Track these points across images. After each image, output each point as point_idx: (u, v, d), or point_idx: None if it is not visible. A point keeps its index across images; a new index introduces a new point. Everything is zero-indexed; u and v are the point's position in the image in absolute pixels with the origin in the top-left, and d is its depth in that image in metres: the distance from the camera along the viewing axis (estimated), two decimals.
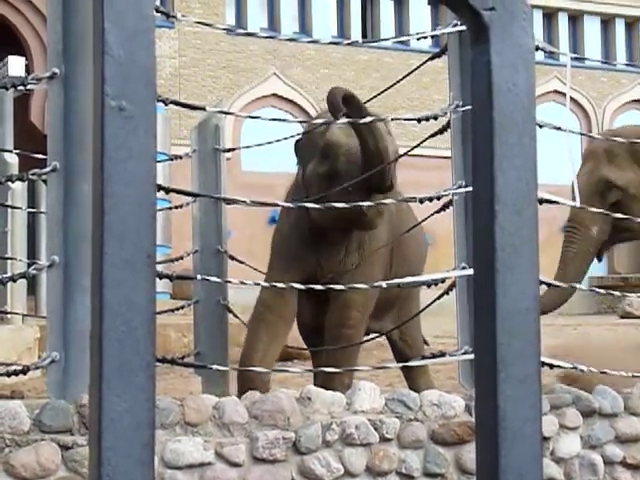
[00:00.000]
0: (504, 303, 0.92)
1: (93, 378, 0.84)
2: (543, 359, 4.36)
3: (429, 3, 24.64)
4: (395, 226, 5.65)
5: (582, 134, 5.15)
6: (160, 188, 4.06)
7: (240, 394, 5.39)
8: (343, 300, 5.44)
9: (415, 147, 5.33)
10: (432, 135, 4.93)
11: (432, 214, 5.16)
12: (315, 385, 4.33)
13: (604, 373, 4.90)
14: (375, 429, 3.86)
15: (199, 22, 5.04)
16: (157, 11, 4.46)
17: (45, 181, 3.81)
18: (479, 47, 0.96)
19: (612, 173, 6.32)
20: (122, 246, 0.84)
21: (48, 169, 3.68)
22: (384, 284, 4.95)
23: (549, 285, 4.46)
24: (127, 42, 0.84)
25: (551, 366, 4.34)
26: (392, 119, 5.28)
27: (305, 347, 6.58)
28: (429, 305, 5.14)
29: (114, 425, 0.84)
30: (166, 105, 4.41)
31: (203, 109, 4.68)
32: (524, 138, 0.95)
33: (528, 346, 0.93)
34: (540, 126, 4.91)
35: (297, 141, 5.60)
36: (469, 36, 0.96)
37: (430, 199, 4.77)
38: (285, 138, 5.60)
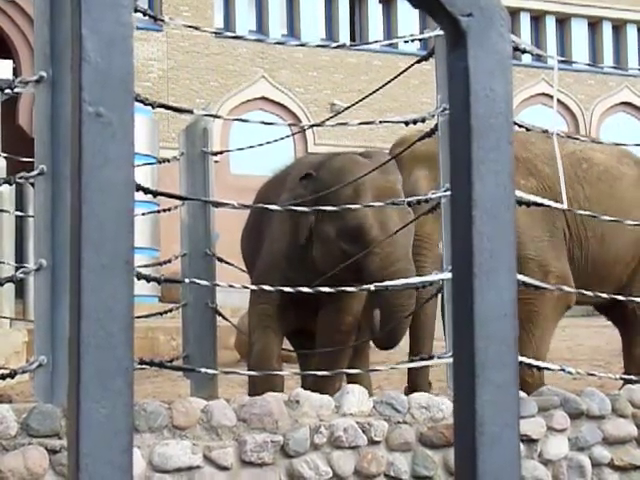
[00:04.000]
0: (482, 308, 0.92)
1: (71, 384, 0.84)
2: (532, 361, 4.37)
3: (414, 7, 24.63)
4: None
5: (569, 137, 5.17)
6: (148, 191, 4.05)
7: (252, 387, 5.42)
8: (337, 306, 5.46)
9: (404, 150, 5.34)
10: (420, 138, 4.94)
11: (418, 216, 5.17)
12: (303, 388, 4.33)
13: (592, 375, 4.92)
14: (363, 432, 3.86)
15: (187, 25, 5.04)
16: (145, 14, 4.46)
17: (33, 184, 3.80)
18: (457, 53, 0.96)
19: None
20: (99, 252, 0.84)
21: (35, 172, 3.67)
22: (372, 287, 4.95)
23: (528, 286, 4.45)
24: (105, 49, 0.84)
25: (539, 368, 4.35)
26: (380, 122, 5.29)
27: (294, 350, 6.59)
28: (418, 308, 5.15)
29: (92, 431, 0.84)
30: (154, 108, 4.41)
31: (191, 112, 4.69)
32: (502, 143, 0.96)
33: (506, 351, 0.93)
34: (528, 129, 4.93)
35: (309, 175, 5.54)
36: (447, 42, 0.97)
37: (418, 202, 4.78)
38: (274, 140, 5.61)
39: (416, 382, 5.74)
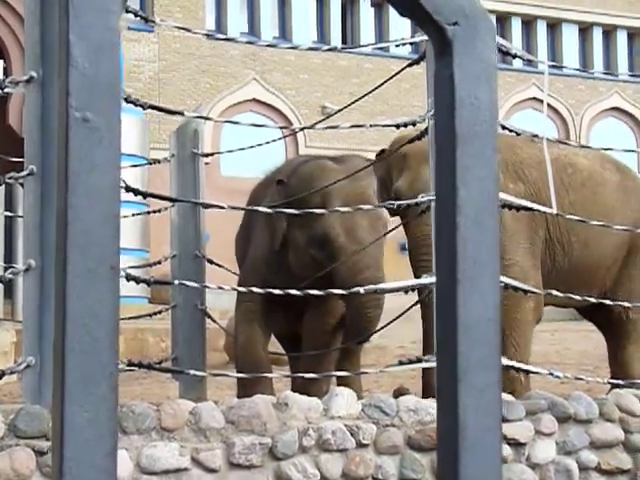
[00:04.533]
0: (465, 312, 0.93)
1: (56, 388, 0.85)
2: (520, 365, 4.38)
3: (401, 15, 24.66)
4: None
5: (559, 141, 5.18)
6: (138, 192, 4.05)
7: (242, 388, 5.42)
8: (323, 309, 5.47)
9: (392, 153, 5.35)
10: (410, 141, 4.95)
11: (407, 220, 5.18)
12: (293, 391, 4.33)
13: (580, 379, 4.93)
14: (351, 435, 3.86)
15: (178, 27, 5.04)
16: (136, 15, 4.46)
17: (22, 184, 3.80)
18: (442, 61, 0.97)
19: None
20: (85, 257, 0.84)
21: (25, 173, 3.67)
22: (362, 289, 4.95)
23: (508, 287, 4.45)
24: (92, 54, 0.84)
25: (527, 372, 4.36)
26: (371, 125, 5.29)
27: (283, 353, 6.60)
28: (406, 311, 5.15)
29: (76, 435, 0.84)
30: (144, 109, 4.40)
31: (181, 114, 4.68)
32: (486, 150, 0.96)
33: (489, 356, 0.94)
34: (518, 134, 4.94)
35: (281, 181, 5.57)
36: (433, 50, 0.98)
37: (408, 205, 4.79)
38: (265, 143, 5.61)
39: (430, 383, 5.72)
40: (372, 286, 4.81)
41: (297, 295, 4.42)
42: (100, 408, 0.85)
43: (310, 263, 5.35)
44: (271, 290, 4.43)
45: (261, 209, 4.77)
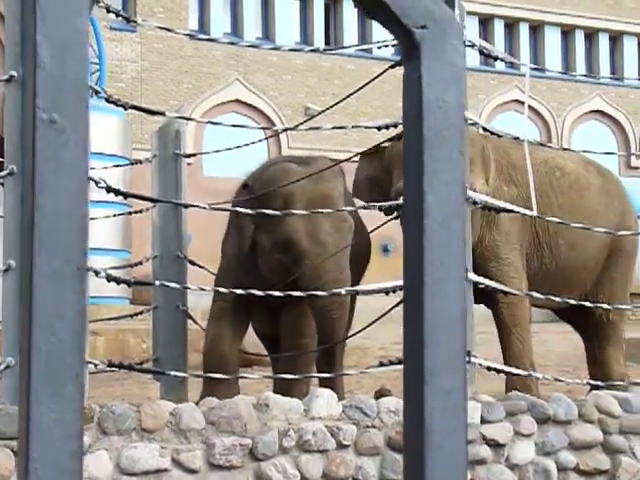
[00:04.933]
0: (432, 315, 0.93)
1: (22, 388, 0.85)
2: (500, 367, 4.39)
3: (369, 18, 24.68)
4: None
5: (540, 144, 5.19)
6: (119, 193, 4.04)
7: (206, 385, 5.42)
8: (298, 310, 5.47)
9: (369, 151, 5.36)
10: (389, 139, 4.97)
11: (386, 222, 5.18)
12: (274, 392, 4.34)
13: (560, 381, 4.95)
14: (332, 435, 3.87)
15: (161, 27, 5.03)
16: (117, 15, 4.45)
17: (2, 184, 3.78)
18: (411, 64, 0.97)
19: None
20: (52, 258, 0.84)
21: (5, 172, 3.65)
22: (343, 291, 4.96)
23: (506, 293, 4.48)
24: (59, 55, 0.84)
25: (506, 373, 4.38)
26: (353, 126, 5.31)
27: (264, 354, 6.60)
28: (387, 312, 5.16)
29: (42, 435, 0.84)
30: (126, 109, 4.39)
31: (163, 114, 4.67)
32: (453, 154, 0.97)
33: (455, 358, 0.94)
34: (499, 135, 4.96)
35: (247, 185, 5.59)
36: (401, 53, 0.98)
37: (389, 207, 4.80)
38: (248, 144, 5.61)
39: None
40: (348, 288, 4.83)
41: (272, 296, 4.43)
42: (66, 408, 0.85)
43: (277, 267, 5.36)
44: (251, 291, 4.43)
45: (240, 210, 4.77)
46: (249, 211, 4.73)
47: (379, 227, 5.34)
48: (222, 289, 4.68)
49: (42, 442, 0.85)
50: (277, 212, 4.94)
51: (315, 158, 5.93)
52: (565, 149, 5.92)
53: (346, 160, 5.62)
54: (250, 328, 6.13)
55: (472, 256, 5.20)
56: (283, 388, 5.11)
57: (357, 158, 5.85)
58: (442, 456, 0.93)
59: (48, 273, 0.84)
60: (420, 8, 0.95)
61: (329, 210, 5.10)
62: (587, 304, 5.53)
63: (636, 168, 26.56)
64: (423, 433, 0.93)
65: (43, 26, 0.83)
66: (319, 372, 5.64)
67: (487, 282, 4.46)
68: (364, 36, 24.52)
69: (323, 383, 5.53)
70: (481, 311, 5.87)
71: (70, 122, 0.84)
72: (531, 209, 5.93)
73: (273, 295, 4.45)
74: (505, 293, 4.98)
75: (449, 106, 0.97)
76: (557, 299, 5.14)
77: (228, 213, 5.74)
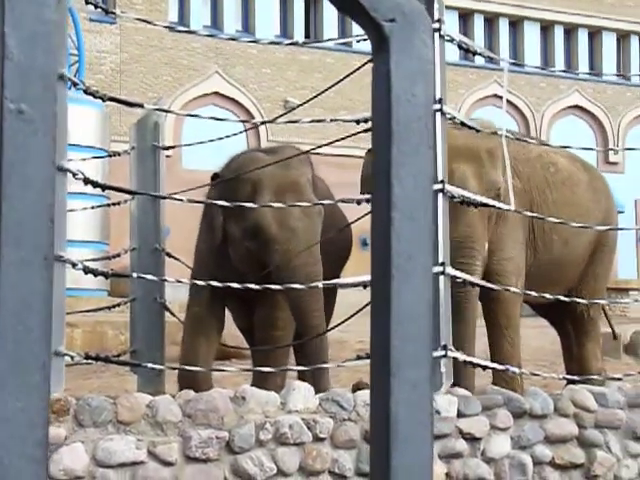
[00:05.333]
0: (399, 308, 0.94)
1: None
2: (477, 361, 4.41)
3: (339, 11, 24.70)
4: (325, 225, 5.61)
5: (518, 139, 5.21)
6: (97, 185, 4.03)
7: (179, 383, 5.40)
8: (270, 302, 5.46)
9: (330, 143, 5.40)
10: (355, 134, 4.99)
11: (365, 215, 5.18)
12: (252, 385, 4.34)
13: (536, 375, 4.97)
14: (309, 429, 3.87)
15: (140, 19, 5.01)
16: (96, 7, 4.43)
17: None
18: (380, 57, 0.97)
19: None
20: (19, 247, 0.84)
21: None
22: (320, 284, 4.97)
23: (470, 284, 4.48)
24: (27, 46, 0.84)
25: (484, 367, 4.39)
26: (331, 120, 5.30)
27: (241, 346, 6.61)
28: (366, 306, 5.17)
29: (7, 424, 0.84)
30: (104, 101, 4.37)
31: (141, 106, 4.66)
32: (421, 147, 0.97)
33: (421, 350, 0.95)
34: (477, 131, 4.97)
35: (216, 175, 5.59)
36: (371, 46, 0.98)
37: (367, 200, 4.80)
38: (227, 136, 5.60)
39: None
40: (322, 282, 4.84)
41: (248, 289, 4.43)
42: (32, 397, 0.85)
43: (247, 256, 5.35)
44: (228, 284, 4.43)
45: (219, 202, 4.77)
46: (224, 203, 4.73)
47: (358, 220, 5.34)
48: (200, 282, 4.67)
49: (7, 431, 0.84)
50: (253, 204, 4.94)
51: (282, 147, 5.95)
52: (543, 144, 5.91)
53: (311, 150, 5.63)
54: (230, 320, 6.14)
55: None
56: (258, 381, 5.12)
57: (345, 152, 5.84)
58: (408, 447, 0.94)
59: (16, 262, 0.84)
60: (389, 2, 0.95)
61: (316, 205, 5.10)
62: (581, 301, 5.58)
63: (614, 163, 26.69)
64: (389, 424, 0.93)
65: (11, 17, 0.83)
66: (298, 364, 5.65)
67: (465, 277, 4.47)
68: (344, 30, 24.51)
69: (302, 375, 5.53)
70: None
71: (38, 112, 0.84)
72: (532, 201, 5.95)
73: (250, 288, 4.45)
74: (466, 283, 4.97)
75: (418, 99, 0.97)
76: (548, 296, 5.17)
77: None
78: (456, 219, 5.09)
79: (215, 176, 5.57)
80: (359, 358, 5.01)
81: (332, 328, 5.80)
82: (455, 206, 5.05)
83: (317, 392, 4.81)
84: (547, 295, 5.28)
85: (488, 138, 5.53)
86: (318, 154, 5.61)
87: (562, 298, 5.14)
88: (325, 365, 5.24)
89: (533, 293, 4.99)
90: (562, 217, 5.96)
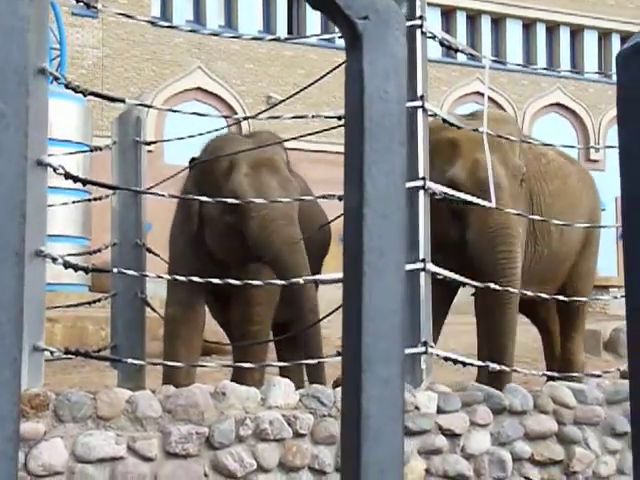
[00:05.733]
0: (370, 304, 0.94)
1: None
2: (458, 358, 4.42)
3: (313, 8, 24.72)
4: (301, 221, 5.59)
5: (499, 136, 5.22)
6: (77, 180, 4.02)
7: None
8: (245, 297, 5.45)
9: (299, 137, 5.42)
10: (328, 129, 5.01)
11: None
12: (232, 381, 4.34)
13: (516, 372, 4.99)
14: (289, 425, 3.87)
15: (121, 13, 5.00)
16: (78, 1, 4.42)
17: None
18: (353, 54, 0.98)
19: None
20: None
21: None
22: (302, 280, 4.97)
23: (437, 275, 4.48)
24: (1, 41, 0.84)
25: (464, 364, 4.40)
26: (313, 116, 5.31)
27: (222, 342, 6.60)
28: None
29: None
30: (85, 96, 4.37)
31: (123, 101, 4.65)
32: (393, 145, 0.97)
33: (393, 347, 0.95)
34: (459, 127, 4.98)
35: (193, 159, 5.59)
36: (345, 43, 0.98)
37: (339, 198, 4.81)
38: (209, 132, 5.60)
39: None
40: (299, 278, 4.84)
41: (229, 284, 4.43)
42: (2, 393, 0.85)
43: (226, 233, 5.32)
44: (214, 280, 4.43)
45: (203, 199, 4.76)
46: (205, 198, 4.73)
47: (338, 217, 5.34)
48: (181, 277, 4.65)
49: None
50: (237, 200, 4.93)
51: (258, 131, 5.98)
52: (524, 141, 5.92)
53: (286, 140, 5.65)
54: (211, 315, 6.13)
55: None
56: (237, 376, 5.12)
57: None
58: (379, 443, 0.94)
59: None
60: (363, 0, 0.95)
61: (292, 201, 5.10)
62: (562, 298, 5.60)
63: (595, 161, 26.79)
64: (360, 420, 0.93)
65: None
66: (280, 359, 5.65)
67: (445, 273, 4.48)
68: (327, 26, 24.51)
69: (283, 373, 5.53)
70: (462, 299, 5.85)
71: (11, 108, 0.84)
72: (532, 190, 5.95)
73: (231, 284, 4.45)
74: (446, 278, 4.97)
75: (391, 97, 0.98)
76: (514, 290, 5.18)
77: None
78: (486, 209, 5.04)
79: (192, 160, 5.58)
80: (339, 354, 5.02)
81: (313, 324, 5.80)
82: (485, 198, 5.01)
83: (317, 380, 4.81)
84: (541, 295, 5.28)
85: (503, 124, 5.54)
86: (302, 150, 5.62)
87: (497, 287, 5.06)
88: (307, 361, 5.24)
89: (494, 286, 4.96)
90: (556, 208, 5.99)
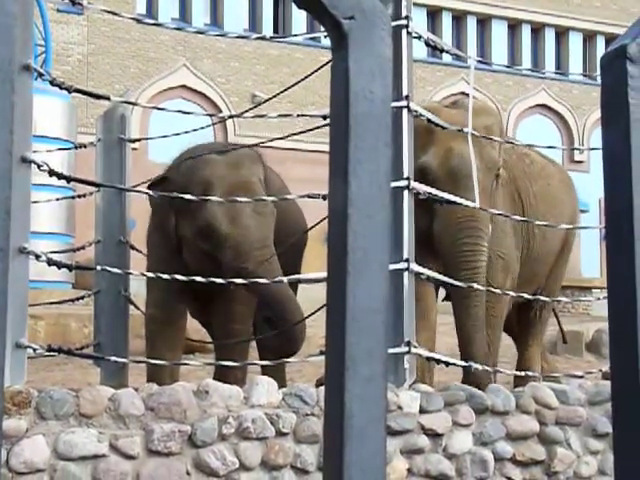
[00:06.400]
0: (354, 304, 0.94)
1: None
2: (441, 357, 4.43)
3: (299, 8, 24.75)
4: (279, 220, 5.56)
5: (484, 137, 5.23)
6: (62, 177, 4.01)
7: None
8: (227, 295, 5.44)
9: (283, 138, 5.41)
10: (312, 129, 5.01)
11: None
12: (214, 379, 4.33)
13: (498, 372, 5.00)
14: (271, 423, 3.87)
15: (107, 10, 4.99)
16: None
17: None
18: (339, 54, 0.98)
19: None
20: None
21: None
22: (285, 279, 4.97)
23: (421, 275, 4.49)
24: None
25: (447, 364, 4.41)
26: (298, 115, 5.31)
27: (204, 340, 6.60)
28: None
29: None
30: (70, 93, 4.35)
31: (107, 99, 4.64)
32: (378, 144, 0.98)
33: (376, 346, 0.95)
34: (443, 127, 4.99)
35: (165, 178, 5.54)
36: (331, 43, 0.98)
37: (324, 197, 4.81)
38: (194, 130, 5.59)
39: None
40: (285, 277, 4.83)
41: (214, 283, 4.43)
42: None
43: (200, 256, 5.31)
44: (197, 278, 4.42)
45: (186, 197, 4.75)
46: (190, 196, 4.71)
47: (324, 219, 5.34)
48: (164, 275, 4.64)
49: None
50: (205, 203, 4.91)
51: (233, 147, 5.91)
52: (508, 142, 5.93)
53: (261, 144, 5.62)
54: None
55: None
56: (220, 374, 5.12)
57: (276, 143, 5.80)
58: (361, 442, 0.95)
59: None
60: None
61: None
62: (544, 298, 5.61)
63: (579, 162, 26.89)
64: (343, 419, 0.94)
65: None
66: (262, 358, 5.65)
67: (430, 273, 4.48)
68: (313, 25, 24.51)
69: (265, 372, 5.52)
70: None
71: None
72: (518, 189, 5.96)
73: (214, 282, 4.44)
74: (490, 292, 4.97)
75: (376, 97, 0.98)
76: (511, 293, 5.20)
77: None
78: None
79: (164, 179, 5.51)
80: (322, 353, 5.01)
81: (296, 324, 5.80)
82: (456, 187, 5.00)
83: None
84: (525, 296, 5.30)
85: (485, 115, 5.51)
86: (287, 149, 5.61)
87: (489, 290, 5.07)
88: (290, 360, 5.24)
89: (494, 289, 4.99)
90: (540, 209, 6.00)
